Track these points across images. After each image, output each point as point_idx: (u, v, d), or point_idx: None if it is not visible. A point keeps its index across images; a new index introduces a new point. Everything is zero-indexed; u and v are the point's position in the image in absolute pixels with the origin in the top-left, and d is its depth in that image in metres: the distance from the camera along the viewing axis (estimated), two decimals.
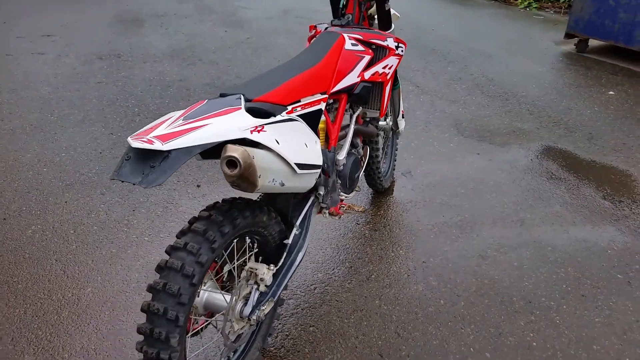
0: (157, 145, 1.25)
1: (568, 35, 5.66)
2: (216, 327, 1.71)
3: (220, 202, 1.57)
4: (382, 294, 2.31)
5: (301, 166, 1.60)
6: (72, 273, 2.37)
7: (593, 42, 5.62)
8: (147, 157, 1.27)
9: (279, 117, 1.57)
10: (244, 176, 1.37)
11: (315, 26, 2.26)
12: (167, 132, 1.32)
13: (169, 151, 1.26)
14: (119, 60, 5.01)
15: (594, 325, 2.17)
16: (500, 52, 5.52)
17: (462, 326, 2.15)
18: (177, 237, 1.47)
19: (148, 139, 1.27)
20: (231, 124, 1.39)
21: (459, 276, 2.42)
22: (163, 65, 4.92)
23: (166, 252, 1.45)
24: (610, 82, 4.80)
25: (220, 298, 1.62)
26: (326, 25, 2.21)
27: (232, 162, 1.36)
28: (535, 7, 7.35)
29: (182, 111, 1.48)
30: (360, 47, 2.08)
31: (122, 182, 1.28)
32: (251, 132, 1.42)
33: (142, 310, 1.40)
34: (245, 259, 1.73)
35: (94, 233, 2.64)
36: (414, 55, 5.35)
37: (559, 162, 3.43)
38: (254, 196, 1.86)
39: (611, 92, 4.57)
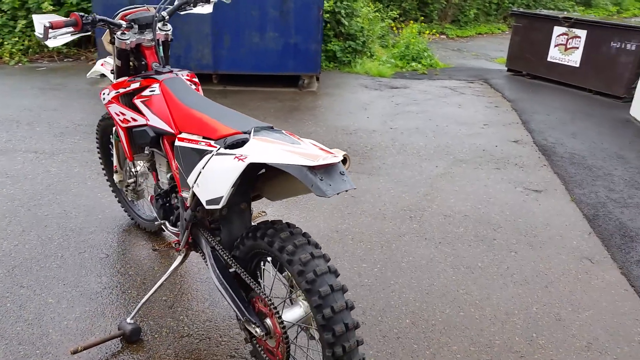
0: (339, 157, 1.51)
1: (103, 74, 6.22)
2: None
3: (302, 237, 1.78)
4: None
5: None
6: None
7: None
8: (332, 170, 1.51)
9: None
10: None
11: (133, 78, 2.27)
12: (320, 148, 1.60)
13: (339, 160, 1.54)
14: None
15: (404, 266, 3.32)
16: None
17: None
18: (312, 281, 1.65)
19: (330, 156, 1.49)
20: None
21: None
22: None
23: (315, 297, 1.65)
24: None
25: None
26: (158, 76, 2.24)
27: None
28: (27, 61, 7.36)
29: (276, 140, 1.68)
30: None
31: (338, 194, 1.44)
32: None
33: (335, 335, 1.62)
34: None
35: None
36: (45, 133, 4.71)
37: None
38: None
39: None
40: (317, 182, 1.47)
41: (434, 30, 12.01)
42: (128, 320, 2.25)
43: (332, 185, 1.49)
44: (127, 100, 2.32)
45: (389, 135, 4.94)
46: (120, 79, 2.36)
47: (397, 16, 11.14)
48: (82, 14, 2.07)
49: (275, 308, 1.77)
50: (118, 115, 2.35)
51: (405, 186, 3.85)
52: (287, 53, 6.24)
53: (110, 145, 3.18)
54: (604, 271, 2.91)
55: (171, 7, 2.39)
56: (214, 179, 1.78)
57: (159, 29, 2.33)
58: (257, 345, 1.95)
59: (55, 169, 3.90)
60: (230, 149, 1.76)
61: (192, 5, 2.47)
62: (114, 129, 2.82)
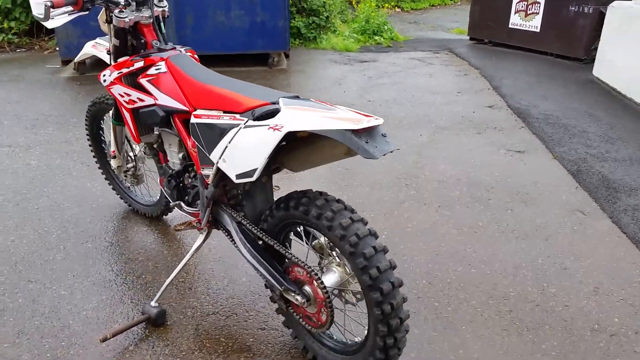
0: (380, 120, 1.53)
1: (64, 62, 5.98)
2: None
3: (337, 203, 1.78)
4: None
5: None
6: None
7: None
8: (375, 133, 1.55)
9: None
10: None
11: (135, 57, 2.19)
12: (356, 112, 1.61)
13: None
14: None
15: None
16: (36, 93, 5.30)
17: None
18: (355, 244, 1.68)
19: (372, 119, 1.52)
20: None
21: None
22: None
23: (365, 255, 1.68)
24: None
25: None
26: (163, 54, 2.18)
27: None
28: None
29: (310, 107, 1.67)
30: None
31: (384, 155, 1.47)
32: None
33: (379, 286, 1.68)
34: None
35: None
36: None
37: None
38: None
39: None
40: (364, 145, 1.49)
41: (393, 3, 12.08)
42: (152, 303, 2.22)
43: (377, 147, 1.50)
44: (130, 80, 2.25)
45: (369, 108, 4.97)
46: (121, 59, 2.28)
47: None
48: None
49: (316, 274, 1.79)
50: (122, 96, 2.27)
51: (395, 155, 3.91)
52: (254, 31, 6.14)
53: (100, 132, 3.08)
54: (596, 221, 3.07)
55: None
56: (245, 152, 1.77)
57: (155, 5, 2.27)
58: (295, 314, 1.97)
59: (35, 161, 3.74)
60: (259, 120, 1.75)
61: None
62: (110, 112, 2.73)
